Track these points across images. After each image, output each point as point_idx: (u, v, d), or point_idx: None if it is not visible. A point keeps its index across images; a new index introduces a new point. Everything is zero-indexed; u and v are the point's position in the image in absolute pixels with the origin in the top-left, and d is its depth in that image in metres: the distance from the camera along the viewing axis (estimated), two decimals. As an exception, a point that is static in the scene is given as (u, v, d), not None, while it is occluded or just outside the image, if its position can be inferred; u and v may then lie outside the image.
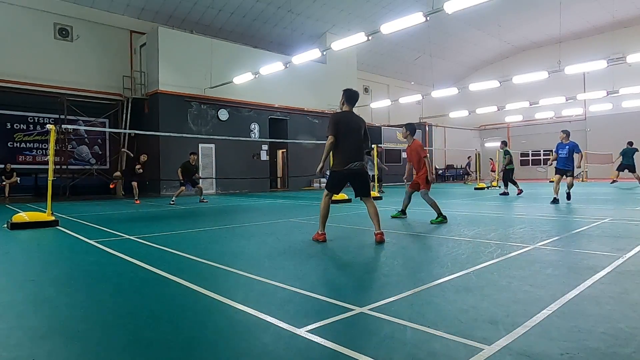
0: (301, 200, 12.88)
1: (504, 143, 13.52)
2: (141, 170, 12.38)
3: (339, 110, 5.15)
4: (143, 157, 12.62)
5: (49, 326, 2.34)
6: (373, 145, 12.71)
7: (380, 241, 4.69)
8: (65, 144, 16.11)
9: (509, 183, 12.98)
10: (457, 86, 21.69)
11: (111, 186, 12.15)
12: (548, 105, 24.53)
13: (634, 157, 16.00)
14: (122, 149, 12.26)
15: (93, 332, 2.22)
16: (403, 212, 7.27)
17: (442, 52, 26.93)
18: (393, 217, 7.14)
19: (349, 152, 4.87)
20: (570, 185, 9.72)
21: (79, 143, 17.24)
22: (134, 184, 12.53)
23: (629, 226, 5.70)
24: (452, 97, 26.12)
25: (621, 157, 16.23)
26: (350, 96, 5.03)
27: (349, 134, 4.88)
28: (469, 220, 6.72)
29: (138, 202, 12.17)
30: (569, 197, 9.62)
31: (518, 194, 12.48)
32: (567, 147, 9.75)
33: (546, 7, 22.26)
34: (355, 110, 5.17)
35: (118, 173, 12.60)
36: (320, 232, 4.97)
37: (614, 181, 16.79)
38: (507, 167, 12.88)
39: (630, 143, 16.42)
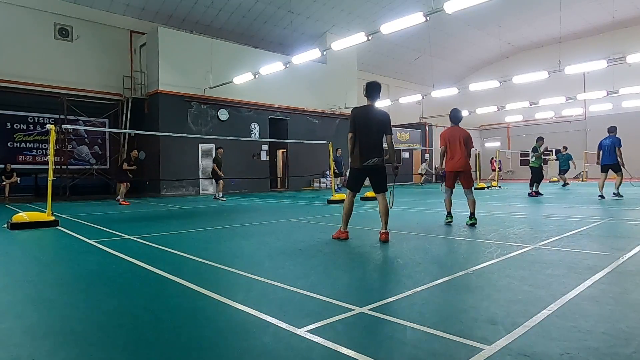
0: (301, 200, 12.88)
1: (541, 139, 12.37)
2: (134, 167, 12.16)
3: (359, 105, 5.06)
4: (134, 153, 12.43)
5: (48, 326, 2.34)
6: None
7: (384, 240, 4.69)
8: (65, 144, 16.11)
9: (534, 182, 12.10)
10: (457, 86, 21.69)
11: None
12: (548, 105, 24.52)
13: (569, 161, 17.44)
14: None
15: (93, 332, 2.22)
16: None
17: (442, 52, 26.92)
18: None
19: (367, 148, 4.78)
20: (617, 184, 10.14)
21: (79, 143, 17.24)
22: (124, 184, 12.05)
23: (629, 226, 5.70)
24: (452, 97, 26.07)
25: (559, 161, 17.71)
26: (369, 89, 4.94)
27: (368, 129, 4.80)
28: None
29: (127, 203, 11.50)
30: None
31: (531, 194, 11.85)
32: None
33: (546, 7, 22.26)
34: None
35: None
36: (342, 230, 4.99)
37: (566, 184, 17.37)
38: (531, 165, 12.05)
39: (565, 148, 17.84)
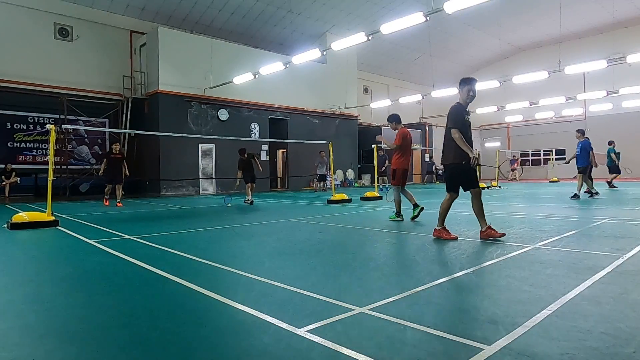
0: (301, 200, 12.88)
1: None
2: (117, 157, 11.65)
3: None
4: (115, 146, 11.85)
5: (48, 326, 2.34)
6: (373, 145, 12.52)
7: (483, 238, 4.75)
8: (65, 144, 16.11)
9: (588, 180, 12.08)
10: (457, 86, 21.68)
11: (105, 203, 11.60)
12: (548, 105, 24.54)
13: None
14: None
15: (92, 332, 2.21)
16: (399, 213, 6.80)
17: (442, 52, 26.92)
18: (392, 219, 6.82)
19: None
20: (579, 185, 10.32)
21: (79, 143, 17.24)
22: (118, 185, 11.76)
23: (629, 226, 5.70)
24: (452, 97, 26.00)
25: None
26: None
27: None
28: (469, 220, 6.70)
29: (120, 204, 11.20)
30: (574, 196, 10.08)
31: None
32: (579, 145, 10.55)
33: (546, 7, 22.27)
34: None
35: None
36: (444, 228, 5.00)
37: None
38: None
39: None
